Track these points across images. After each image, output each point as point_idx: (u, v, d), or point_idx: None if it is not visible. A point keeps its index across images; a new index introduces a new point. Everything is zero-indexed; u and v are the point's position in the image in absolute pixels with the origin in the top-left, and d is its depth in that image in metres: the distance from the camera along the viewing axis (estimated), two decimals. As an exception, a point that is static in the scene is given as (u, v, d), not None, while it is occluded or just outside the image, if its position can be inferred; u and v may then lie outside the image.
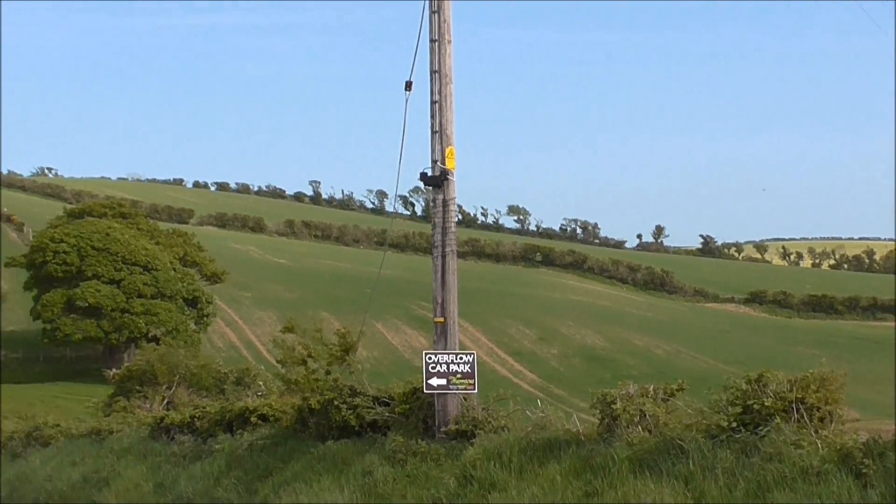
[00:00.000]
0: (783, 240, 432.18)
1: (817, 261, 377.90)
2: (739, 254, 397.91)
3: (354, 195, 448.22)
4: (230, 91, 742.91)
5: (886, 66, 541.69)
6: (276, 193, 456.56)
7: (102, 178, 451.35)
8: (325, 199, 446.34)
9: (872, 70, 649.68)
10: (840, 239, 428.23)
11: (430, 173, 19.06)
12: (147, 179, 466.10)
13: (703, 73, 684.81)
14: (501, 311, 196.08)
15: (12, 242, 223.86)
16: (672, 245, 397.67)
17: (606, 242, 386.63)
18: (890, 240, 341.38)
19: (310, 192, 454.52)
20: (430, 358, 18.47)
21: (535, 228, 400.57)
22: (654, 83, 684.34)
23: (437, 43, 19.11)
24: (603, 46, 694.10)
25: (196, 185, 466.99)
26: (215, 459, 24.82)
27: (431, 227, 19.41)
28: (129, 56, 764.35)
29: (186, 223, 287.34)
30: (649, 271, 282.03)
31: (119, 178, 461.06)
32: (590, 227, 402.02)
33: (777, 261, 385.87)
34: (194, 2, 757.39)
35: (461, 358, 18.48)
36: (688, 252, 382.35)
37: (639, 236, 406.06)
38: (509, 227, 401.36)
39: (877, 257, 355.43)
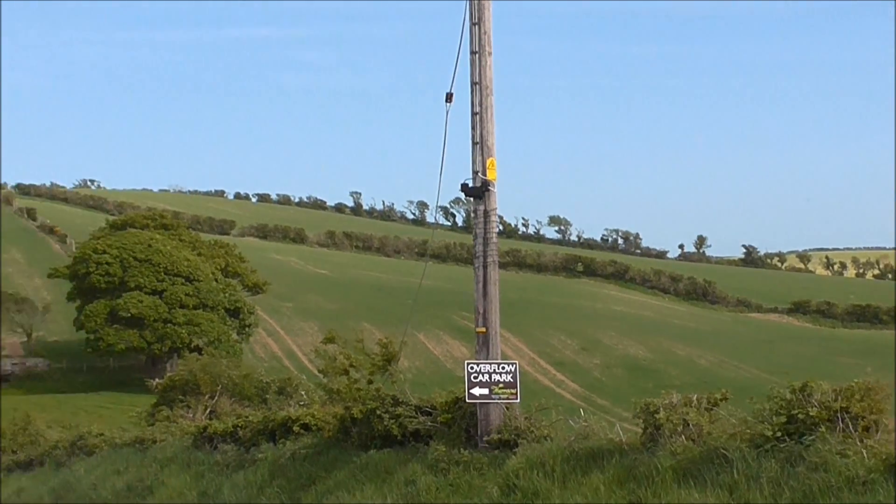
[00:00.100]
0: (827, 249, 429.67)
1: (861, 270, 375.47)
2: (782, 264, 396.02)
3: (395, 206, 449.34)
4: (271, 103, 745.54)
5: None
6: (317, 204, 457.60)
7: (144, 189, 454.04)
8: (365, 210, 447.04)
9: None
10: (884, 249, 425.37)
11: (471, 184, 19.03)
12: (189, 191, 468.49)
13: (744, 84, 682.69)
14: (543, 322, 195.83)
15: (56, 254, 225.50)
16: (714, 255, 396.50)
17: (648, 253, 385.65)
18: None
19: (351, 204, 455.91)
20: (472, 368, 18.45)
21: (576, 239, 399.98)
22: (696, 94, 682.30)
23: (477, 55, 19.10)
24: (644, 58, 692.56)
25: (237, 196, 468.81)
26: (258, 468, 24.88)
27: (473, 237, 19.38)
28: (171, 69, 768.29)
29: (228, 234, 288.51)
30: (691, 281, 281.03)
31: (161, 190, 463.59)
32: (631, 238, 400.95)
33: (820, 270, 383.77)
34: (236, 14, 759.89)
35: (503, 368, 18.45)
36: (730, 262, 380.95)
37: (681, 246, 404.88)
38: (550, 237, 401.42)
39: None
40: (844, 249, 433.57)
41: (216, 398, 49.68)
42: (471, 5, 19.12)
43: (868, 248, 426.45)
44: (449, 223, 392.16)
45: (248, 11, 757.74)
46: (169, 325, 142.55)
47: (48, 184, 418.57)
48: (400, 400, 21.03)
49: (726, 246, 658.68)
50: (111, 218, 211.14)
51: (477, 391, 18.35)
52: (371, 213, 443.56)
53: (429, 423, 19.96)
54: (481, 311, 18.89)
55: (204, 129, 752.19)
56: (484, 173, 18.90)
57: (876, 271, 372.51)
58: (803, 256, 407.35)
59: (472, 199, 19.27)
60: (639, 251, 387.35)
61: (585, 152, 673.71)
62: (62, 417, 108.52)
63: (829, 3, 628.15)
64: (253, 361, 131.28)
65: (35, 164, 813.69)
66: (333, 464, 21.90)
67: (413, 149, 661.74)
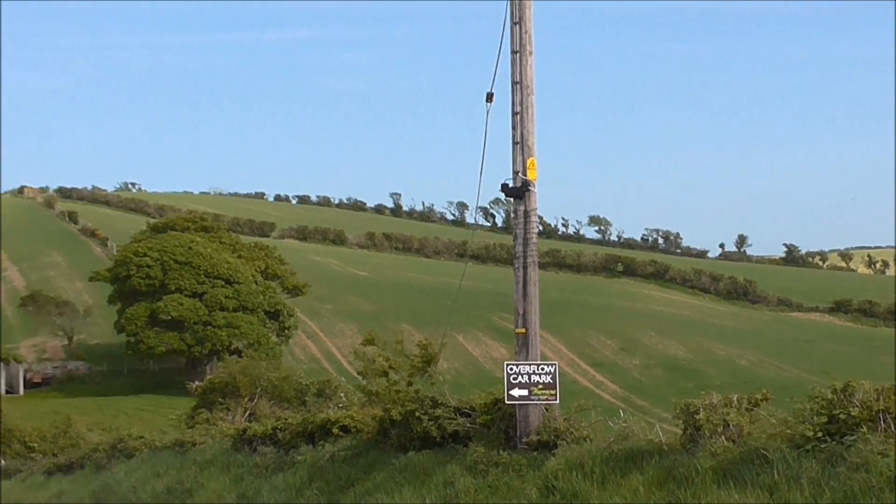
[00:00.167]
0: (868, 248, 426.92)
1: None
2: (824, 262, 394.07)
3: (435, 207, 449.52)
4: (311, 105, 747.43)
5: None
6: (357, 206, 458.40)
7: (185, 192, 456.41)
8: (405, 212, 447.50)
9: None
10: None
11: (511, 184, 19.00)
12: (229, 193, 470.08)
13: (785, 82, 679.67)
14: (583, 322, 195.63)
15: (97, 257, 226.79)
16: (755, 254, 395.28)
17: (688, 252, 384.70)
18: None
19: (390, 205, 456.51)
20: (511, 369, 18.41)
21: (616, 239, 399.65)
22: (736, 92, 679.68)
23: (518, 54, 19.05)
24: (684, 56, 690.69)
25: (277, 198, 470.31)
26: (297, 470, 24.89)
27: (513, 238, 19.34)
28: (211, 71, 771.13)
29: (268, 236, 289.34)
30: (732, 281, 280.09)
31: (201, 193, 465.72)
32: (671, 237, 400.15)
33: (862, 269, 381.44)
34: (277, 16, 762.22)
35: (543, 369, 18.40)
36: (771, 261, 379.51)
37: (721, 246, 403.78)
38: (590, 237, 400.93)
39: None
40: (887, 247, 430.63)
41: (255, 400, 49.83)
42: (511, 5, 19.08)
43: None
44: (489, 224, 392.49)
45: (289, 13, 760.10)
46: (209, 327, 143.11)
47: (89, 187, 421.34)
48: (439, 401, 20.99)
49: (767, 245, 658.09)
50: (152, 221, 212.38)
51: (516, 392, 18.31)
52: (411, 214, 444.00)
53: (468, 425, 19.92)
54: (521, 312, 18.84)
55: (244, 131, 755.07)
56: (524, 173, 18.86)
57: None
58: (845, 255, 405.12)
59: (512, 199, 19.22)
60: (679, 251, 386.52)
61: (625, 152, 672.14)
62: (103, 420, 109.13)
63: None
64: (292, 363, 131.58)
65: (77, 168, 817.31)
66: (372, 465, 21.90)
67: (453, 149, 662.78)
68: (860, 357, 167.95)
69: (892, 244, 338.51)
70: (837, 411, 13.72)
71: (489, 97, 19.06)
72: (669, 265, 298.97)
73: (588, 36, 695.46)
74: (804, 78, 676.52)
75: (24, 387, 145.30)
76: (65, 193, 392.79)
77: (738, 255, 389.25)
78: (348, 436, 24.79)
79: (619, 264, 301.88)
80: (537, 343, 18.87)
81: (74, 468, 43.84)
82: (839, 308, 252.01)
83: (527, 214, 18.93)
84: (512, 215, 19.71)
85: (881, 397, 13.71)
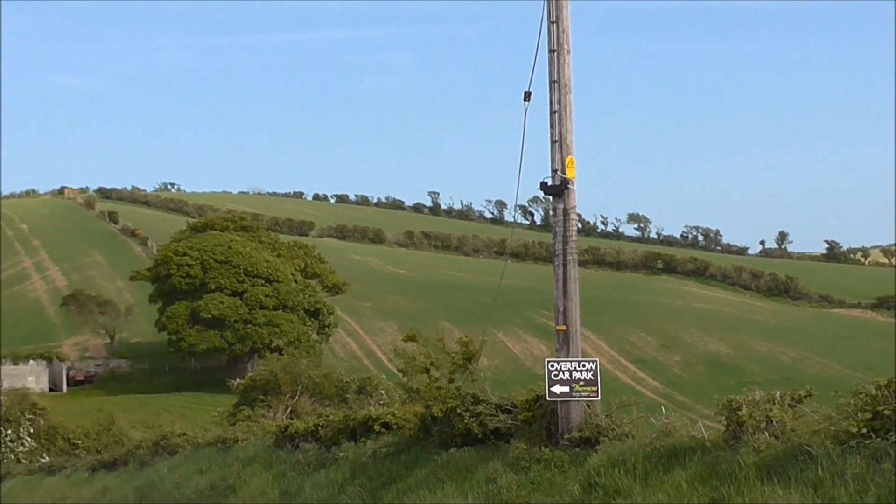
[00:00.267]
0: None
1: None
2: (866, 258, 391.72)
3: (473, 205, 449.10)
4: (349, 104, 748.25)
5: None
6: (396, 205, 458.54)
7: (224, 192, 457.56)
8: (444, 210, 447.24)
9: None
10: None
11: (550, 183, 19.00)
12: (268, 193, 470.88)
13: (826, 77, 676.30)
14: (623, 319, 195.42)
15: (137, 256, 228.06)
16: (796, 251, 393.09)
17: (729, 249, 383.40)
18: None
19: (429, 203, 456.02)
20: (552, 366, 18.40)
21: (655, 236, 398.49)
22: (776, 88, 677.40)
23: (555, 53, 19.03)
24: (723, 53, 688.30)
25: (316, 197, 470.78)
26: (339, 467, 24.94)
27: (552, 236, 19.31)
28: (250, 72, 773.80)
29: (307, 235, 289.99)
30: (773, 277, 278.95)
31: (240, 192, 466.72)
32: (712, 234, 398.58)
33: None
34: (315, 17, 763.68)
35: (584, 365, 18.38)
36: (812, 258, 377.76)
37: (762, 242, 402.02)
38: (630, 235, 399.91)
39: None
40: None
41: (297, 398, 49.98)
42: (549, 4, 19.07)
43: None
44: (527, 222, 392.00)
45: (328, 14, 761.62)
46: (249, 325, 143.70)
47: (129, 187, 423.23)
48: (480, 398, 21.00)
49: (808, 241, 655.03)
50: (192, 220, 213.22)
51: (557, 389, 18.30)
52: (449, 212, 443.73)
53: (509, 422, 19.93)
54: (561, 309, 18.83)
55: (283, 131, 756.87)
56: (563, 171, 18.85)
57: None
58: (887, 251, 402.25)
59: (551, 197, 19.21)
60: (719, 248, 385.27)
61: (665, 149, 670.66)
62: (145, 417, 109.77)
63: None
64: (333, 361, 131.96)
65: (116, 168, 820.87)
66: (414, 462, 21.93)
67: (491, 148, 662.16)
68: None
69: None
70: (882, 407, 13.64)
71: (527, 96, 19.06)
72: (710, 262, 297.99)
73: (626, 34, 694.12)
74: (844, 74, 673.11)
75: (67, 384, 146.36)
76: (105, 194, 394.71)
77: (779, 251, 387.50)
78: (390, 433, 24.83)
79: (659, 261, 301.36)
80: (578, 340, 18.85)
81: (118, 465, 44.05)
82: (882, 304, 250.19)
83: (566, 212, 18.91)
84: (551, 213, 19.70)
85: (926, 393, 13.64)
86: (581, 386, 18.30)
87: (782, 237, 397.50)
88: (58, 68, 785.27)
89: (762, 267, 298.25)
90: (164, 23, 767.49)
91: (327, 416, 30.07)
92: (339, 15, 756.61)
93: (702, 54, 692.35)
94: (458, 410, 20.88)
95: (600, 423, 18.10)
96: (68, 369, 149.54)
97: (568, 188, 18.89)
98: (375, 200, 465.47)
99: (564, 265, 18.83)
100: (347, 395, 52.75)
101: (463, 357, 22.43)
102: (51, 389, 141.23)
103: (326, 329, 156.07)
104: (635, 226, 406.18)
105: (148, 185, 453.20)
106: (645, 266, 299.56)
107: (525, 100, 19.05)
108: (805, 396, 15.57)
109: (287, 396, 50.43)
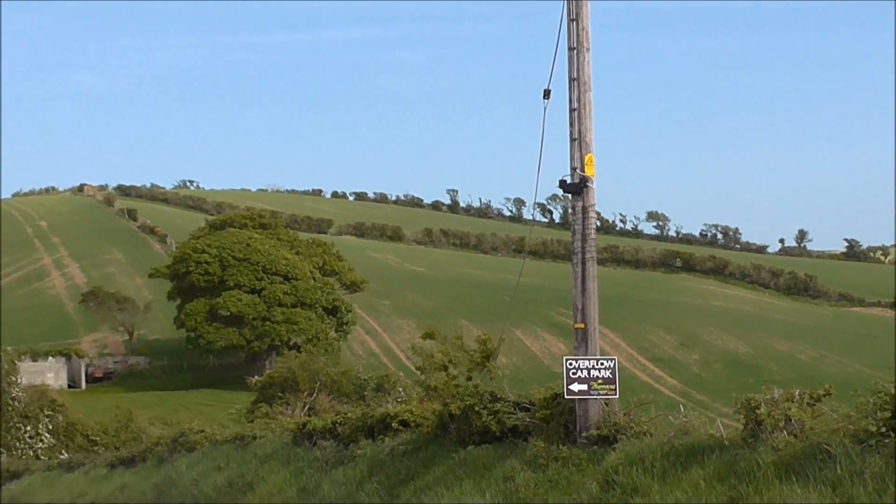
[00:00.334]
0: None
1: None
2: (886, 257, 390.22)
3: (492, 203, 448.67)
4: (367, 103, 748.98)
5: None
6: (414, 202, 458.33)
7: (243, 189, 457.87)
8: (462, 208, 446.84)
9: None
10: None
11: (569, 181, 19.01)
12: (286, 190, 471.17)
13: (845, 75, 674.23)
14: (641, 318, 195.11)
15: (156, 254, 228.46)
16: (815, 249, 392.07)
17: (748, 247, 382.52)
18: None
19: (447, 201, 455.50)
20: (570, 363, 18.40)
21: (674, 234, 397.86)
22: (795, 86, 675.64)
23: (575, 51, 19.03)
24: (743, 50, 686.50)
25: (335, 195, 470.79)
26: (357, 464, 24.98)
27: (571, 234, 19.31)
28: (268, 70, 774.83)
29: (325, 233, 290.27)
30: (792, 276, 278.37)
31: (259, 190, 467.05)
32: (731, 233, 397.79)
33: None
34: (332, 16, 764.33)
35: (602, 363, 18.40)
36: (832, 256, 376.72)
37: (781, 241, 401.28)
38: (648, 233, 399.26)
39: None
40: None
41: (315, 395, 50.05)
42: (569, 2, 19.08)
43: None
44: (546, 220, 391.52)
45: (345, 13, 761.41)
46: (267, 323, 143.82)
47: (148, 185, 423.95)
48: (498, 396, 21.01)
49: (828, 240, 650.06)
50: (210, 218, 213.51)
51: (576, 387, 18.31)
52: (468, 210, 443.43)
53: (527, 419, 19.93)
54: (580, 307, 18.84)
55: (301, 129, 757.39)
56: (582, 169, 18.86)
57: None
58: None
59: (570, 195, 19.22)
60: (738, 246, 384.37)
61: (683, 147, 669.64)
62: (164, 415, 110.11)
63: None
64: (351, 359, 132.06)
65: (135, 166, 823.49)
66: (432, 460, 21.95)
67: (510, 146, 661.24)
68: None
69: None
70: (901, 406, 13.62)
71: (546, 94, 19.06)
72: (729, 260, 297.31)
73: (646, 32, 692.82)
74: (868, 70, 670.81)
75: (86, 381, 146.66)
76: (124, 191, 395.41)
77: (799, 250, 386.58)
78: (407, 430, 24.86)
79: (678, 260, 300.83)
80: (596, 338, 18.86)
81: (136, 461, 44.16)
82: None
83: (585, 210, 18.92)
84: (570, 211, 19.70)
85: (946, 392, 13.60)
86: (599, 384, 18.32)
87: (802, 235, 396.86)
88: (78, 67, 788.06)
89: (781, 265, 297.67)
90: (183, 21, 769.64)
91: (345, 414, 30.12)
92: (358, 13, 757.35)
93: (722, 52, 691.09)
94: (476, 408, 20.89)
95: (618, 421, 18.10)
96: (87, 366, 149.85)
97: (587, 186, 18.91)
98: (394, 198, 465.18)
99: (583, 263, 18.83)
100: (365, 393, 52.78)
101: (481, 355, 22.42)
102: (70, 386, 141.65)
103: (344, 327, 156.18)
104: (654, 224, 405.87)
105: (167, 183, 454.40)
106: (664, 264, 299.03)
107: (545, 97, 19.06)
108: (824, 395, 15.54)
109: (305, 394, 50.51)
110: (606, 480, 16.32)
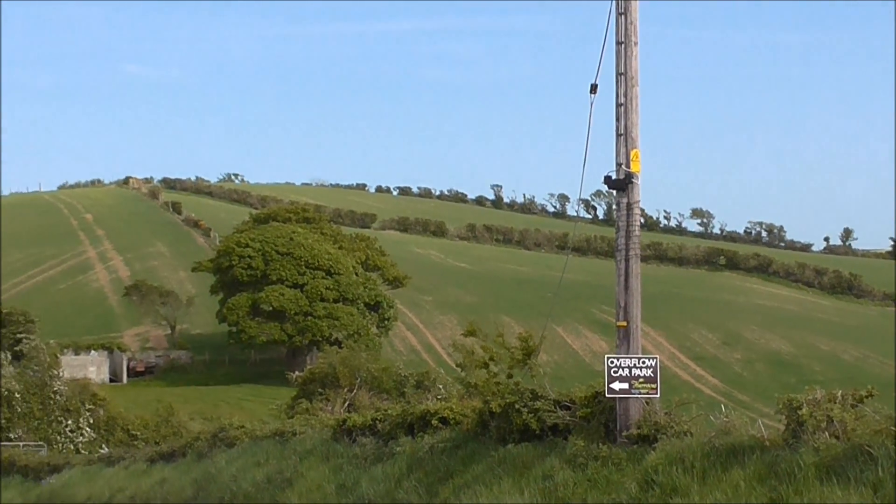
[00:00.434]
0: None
1: None
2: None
3: (536, 199, 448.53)
4: (412, 96, 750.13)
5: None
6: (458, 197, 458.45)
7: (287, 183, 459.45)
8: (506, 203, 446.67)
9: None
10: None
11: (614, 176, 18.92)
12: (330, 184, 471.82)
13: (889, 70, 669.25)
14: (684, 316, 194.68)
15: (200, 247, 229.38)
16: (861, 248, 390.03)
17: (792, 245, 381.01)
18: None
19: (491, 196, 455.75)
20: (612, 362, 18.33)
21: (718, 232, 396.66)
22: (842, 83, 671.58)
23: (623, 45, 18.94)
24: (791, 46, 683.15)
25: (378, 189, 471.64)
26: (396, 461, 24.94)
27: (615, 230, 19.24)
28: (313, 63, 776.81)
29: (369, 227, 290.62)
30: (837, 275, 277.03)
31: (303, 184, 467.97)
32: (775, 230, 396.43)
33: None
34: (379, 8, 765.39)
35: (644, 362, 18.31)
36: (877, 255, 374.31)
37: (826, 239, 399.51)
38: (692, 230, 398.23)
39: None
40: None
41: (355, 391, 50.00)
42: (616, -2, 19.01)
43: None
44: (590, 216, 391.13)
45: (392, 5, 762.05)
46: (309, 318, 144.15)
47: (193, 178, 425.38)
48: (539, 394, 20.92)
49: (873, 238, 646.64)
50: (254, 211, 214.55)
51: (617, 385, 18.23)
52: (511, 205, 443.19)
53: (567, 418, 19.84)
54: (622, 305, 18.75)
55: (346, 122, 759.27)
56: (627, 165, 18.76)
57: None
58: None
59: (614, 191, 19.13)
60: (783, 244, 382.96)
61: (729, 144, 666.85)
62: (204, 409, 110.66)
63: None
64: (392, 355, 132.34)
65: (181, 159, 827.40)
66: (471, 457, 21.90)
67: (555, 141, 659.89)
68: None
69: None
70: (944, 408, 13.51)
71: (593, 88, 18.98)
72: (773, 258, 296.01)
73: (693, 26, 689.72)
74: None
75: (128, 375, 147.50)
76: (169, 184, 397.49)
77: (844, 248, 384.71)
78: (447, 427, 24.78)
79: (722, 257, 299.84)
80: (638, 336, 18.78)
81: (176, 456, 44.23)
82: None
83: (630, 207, 18.82)
84: (614, 207, 19.63)
85: None
86: (640, 383, 18.23)
87: (847, 234, 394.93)
88: (127, 58, 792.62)
89: (826, 264, 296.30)
90: (231, 13, 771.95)
91: (385, 410, 30.05)
92: (404, 5, 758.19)
93: (769, 47, 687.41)
94: (517, 406, 20.81)
95: (659, 420, 18.01)
96: (129, 360, 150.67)
97: (632, 182, 18.82)
98: (438, 193, 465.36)
99: (627, 260, 18.75)
100: (405, 390, 52.67)
101: (522, 352, 22.36)
102: (111, 380, 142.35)
103: (386, 322, 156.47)
104: (698, 221, 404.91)
105: (212, 176, 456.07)
106: (707, 262, 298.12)
107: (591, 92, 18.98)
108: (867, 396, 15.42)
109: (345, 390, 50.46)
110: (646, 480, 16.24)
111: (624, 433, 18.28)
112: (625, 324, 18.67)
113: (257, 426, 40.25)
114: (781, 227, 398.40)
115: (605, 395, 18.60)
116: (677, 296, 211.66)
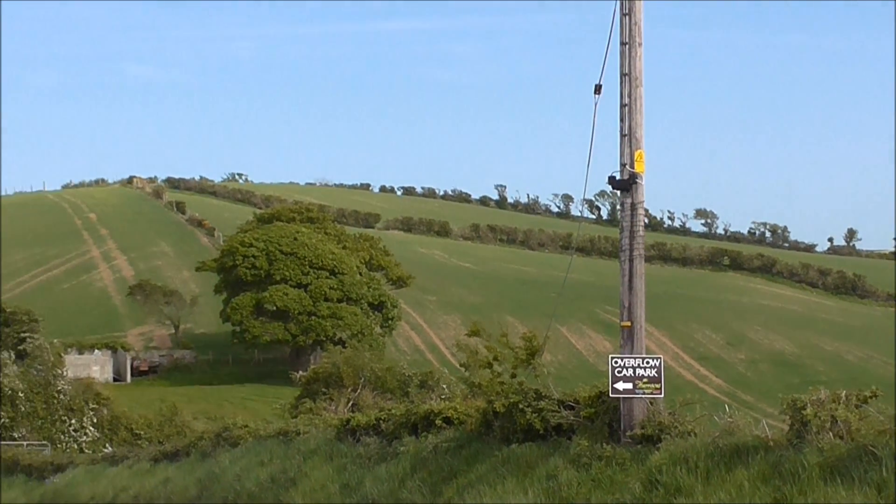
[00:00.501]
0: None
1: None
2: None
3: (540, 199, 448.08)
4: (417, 96, 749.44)
5: None
6: (462, 197, 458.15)
7: (291, 183, 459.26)
8: (510, 203, 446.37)
9: None
10: None
11: (618, 177, 18.93)
12: (334, 184, 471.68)
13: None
14: (688, 316, 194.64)
15: (204, 247, 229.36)
16: (865, 248, 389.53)
17: (796, 246, 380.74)
18: None
19: (495, 197, 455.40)
20: (616, 362, 18.34)
21: (722, 232, 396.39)
22: (843, 83, 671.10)
23: (627, 46, 18.96)
24: (794, 47, 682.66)
25: (382, 189, 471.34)
26: (400, 461, 24.96)
27: (619, 230, 19.25)
28: (318, 63, 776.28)
29: (373, 227, 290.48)
30: (840, 275, 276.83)
31: (307, 183, 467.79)
32: (779, 231, 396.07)
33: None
34: (382, 8, 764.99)
35: (648, 362, 18.32)
36: (881, 255, 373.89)
37: (830, 240, 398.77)
38: (696, 230, 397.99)
39: None
40: None
41: (359, 391, 50.07)
42: (621, -1, 19.03)
43: None
44: (594, 216, 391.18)
45: (395, 5, 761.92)
46: (313, 317, 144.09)
47: (197, 178, 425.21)
48: (543, 394, 20.92)
49: (877, 239, 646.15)
50: (258, 211, 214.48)
51: (621, 385, 18.24)
52: (515, 206, 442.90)
53: (571, 418, 19.84)
54: (626, 305, 18.76)
55: (350, 122, 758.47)
56: (632, 166, 18.78)
57: None
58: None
59: (618, 191, 19.14)
60: (787, 244, 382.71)
61: (732, 144, 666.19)
62: (208, 409, 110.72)
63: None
64: (395, 355, 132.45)
65: (185, 159, 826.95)
66: (475, 457, 21.91)
67: (559, 141, 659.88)
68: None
69: None
70: (948, 408, 13.51)
71: (597, 89, 19.01)
72: (777, 259, 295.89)
73: (698, 27, 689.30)
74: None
75: (131, 375, 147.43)
76: (173, 184, 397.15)
77: (848, 249, 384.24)
78: (451, 427, 24.80)
79: (726, 258, 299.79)
80: (642, 336, 18.79)
81: (180, 455, 44.27)
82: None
83: (634, 207, 18.84)
84: (618, 208, 19.63)
85: None
86: (644, 383, 18.25)
87: (851, 234, 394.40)
88: (130, 58, 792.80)
89: (830, 264, 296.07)
90: (234, 13, 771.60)
91: (389, 410, 30.09)
92: (408, 6, 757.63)
93: (772, 48, 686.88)
94: (521, 406, 20.82)
95: (663, 420, 18.02)
96: (133, 359, 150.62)
97: (636, 183, 18.83)
98: (442, 193, 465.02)
99: (631, 261, 18.76)
100: (409, 389, 52.77)
101: (526, 352, 22.38)
102: (115, 379, 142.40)
103: (390, 322, 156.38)
104: (702, 221, 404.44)
105: (216, 176, 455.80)
106: (711, 262, 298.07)
107: (595, 93, 19.02)
108: (871, 397, 15.42)
109: (349, 389, 50.54)
110: (650, 480, 16.25)
111: (628, 433, 18.30)
112: (629, 324, 18.69)
113: (261, 426, 40.29)
114: (785, 228, 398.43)
115: (608, 395, 18.61)
116: (681, 296, 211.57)
